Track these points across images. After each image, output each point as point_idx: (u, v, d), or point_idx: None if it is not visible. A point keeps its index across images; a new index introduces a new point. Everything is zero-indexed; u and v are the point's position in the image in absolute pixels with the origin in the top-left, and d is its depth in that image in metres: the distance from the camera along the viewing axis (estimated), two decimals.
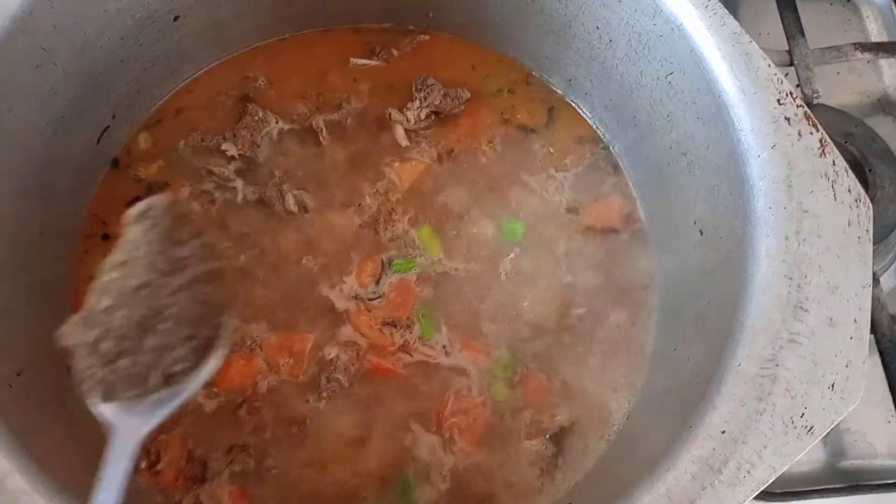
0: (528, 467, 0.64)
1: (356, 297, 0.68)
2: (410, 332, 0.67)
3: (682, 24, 0.59)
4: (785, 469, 0.46)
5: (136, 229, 0.46)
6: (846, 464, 0.74)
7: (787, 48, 0.83)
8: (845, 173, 0.53)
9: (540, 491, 0.64)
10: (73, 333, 0.44)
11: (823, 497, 0.70)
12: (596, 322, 0.69)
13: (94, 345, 0.43)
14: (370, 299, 0.68)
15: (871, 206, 0.53)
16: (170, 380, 0.44)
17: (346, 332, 0.67)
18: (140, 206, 0.46)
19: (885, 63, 0.91)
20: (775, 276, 0.51)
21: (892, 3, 0.92)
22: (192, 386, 0.45)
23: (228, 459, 0.62)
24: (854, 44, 0.84)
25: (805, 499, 0.70)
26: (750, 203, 0.54)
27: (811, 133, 0.54)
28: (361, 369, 0.66)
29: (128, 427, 0.44)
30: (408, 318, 0.68)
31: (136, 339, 0.43)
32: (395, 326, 0.67)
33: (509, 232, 0.71)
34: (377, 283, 0.69)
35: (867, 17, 0.95)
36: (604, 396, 0.66)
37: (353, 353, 0.66)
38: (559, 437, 0.65)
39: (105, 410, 0.44)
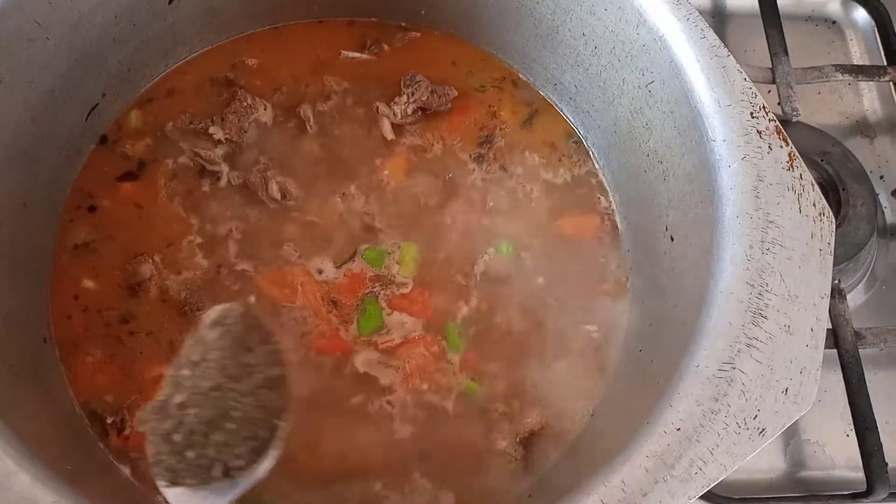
0: (496, 468, 0.65)
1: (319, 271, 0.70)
2: (350, 321, 0.68)
3: (663, 36, 0.61)
4: (735, 468, 0.48)
5: (210, 333, 0.50)
6: (805, 474, 0.76)
7: (770, 66, 0.85)
8: (811, 187, 0.55)
9: (506, 488, 0.65)
10: (149, 421, 0.49)
11: None
12: (566, 325, 0.70)
13: (167, 435, 0.48)
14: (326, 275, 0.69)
15: (833, 220, 0.54)
16: (229, 473, 0.48)
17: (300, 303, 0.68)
18: (214, 314, 0.51)
19: (865, 86, 0.94)
20: (738, 282, 0.53)
21: (875, 28, 0.95)
22: (248, 481, 0.49)
23: None
24: (835, 65, 0.86)
25: None
26: (718, 211, 0.56)
27: (781, 147, 0.56)
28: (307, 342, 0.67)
29: None
30: (352, 306, 0.69)
31: (203, 434, 0.47)
32: (336, 306, 0.68)
33: (499, 250, 0.72)
34: (338, 267, 0.70)
35: (850, 39, 0.97)
36: (570, 398, 0.67)
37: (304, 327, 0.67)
38: (529, 440, 0.66)
39: (170, 494, 0.48)
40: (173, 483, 0.47)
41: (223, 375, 0.49)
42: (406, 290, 0.69)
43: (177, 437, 0.47)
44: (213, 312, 0.51)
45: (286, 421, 0.50)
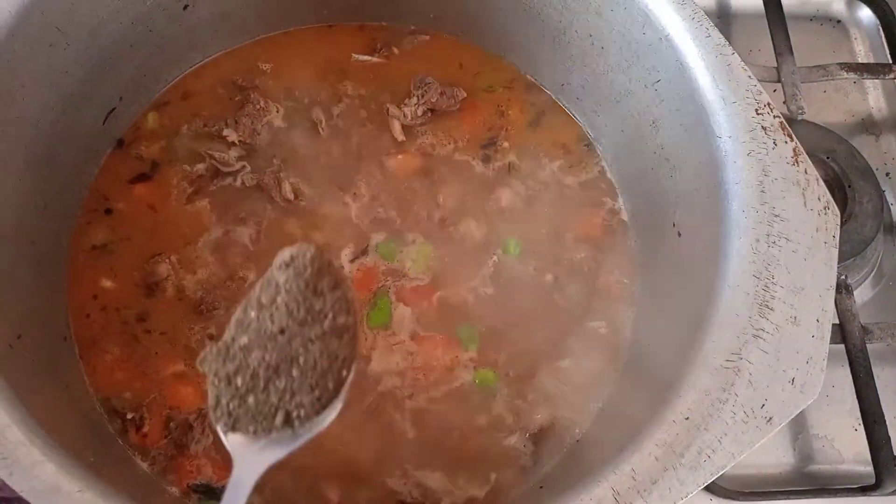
0: (507, 463, 0.66)
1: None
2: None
3: (669, 35, 0.62)
4: (744, 456, 0.49)
5: (280, 275, 0.48)
6: (813, 468, 0.76)
7: (775, 65, 0.86)
8: (816, 182, 0.56)
9: (517, 480, 0.66)
10: (211, 362, 0.47)
11: (790, 499, 0.72)
12: (575, 322, 0.70)
13: (229, 378, 0.46)
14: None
15: (838, 213, 0.55)
16: (291, 422, 0.46)
17: None
18: (286, 254, 0.49)
19: (871, 84, 0.94)
20: (745, 275, 0.54)
21: (880, 26, 0.95)
22: (309, 433, 0.47)
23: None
24: (840, 64, 0.87)
25: (773, 500, 0.72)
26: (724, 206, 0.57)
27: (786, 142, 0.57)
28: None
29: (247, 461, 0.46)
30: (365, 301, 0.69)
31: (266, 380, 0.46)
32: None
33: (507, 248, 0.72)
34: (351, 262, 0.71)
35: (855, 38, 0.97)
36: (580, 393, 0.68)
37: None
38: (538, 437, 0.66)
39: (228, 440, 0.47)
40: (232, 429, 0.46)
41: (291, 319, 0.47)
42: (417, 284, 0.70)
43: (239, 381, 0.46)
44: (284, 253, 0.49)
45: (353, 372, 0.48)
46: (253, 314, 0.48)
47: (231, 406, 0.46)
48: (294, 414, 0.46)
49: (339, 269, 0.51)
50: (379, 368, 0.68)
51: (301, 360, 0.46)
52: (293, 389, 0.46)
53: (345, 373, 0.48)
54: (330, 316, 0.48)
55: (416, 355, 0.68)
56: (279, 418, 0.46)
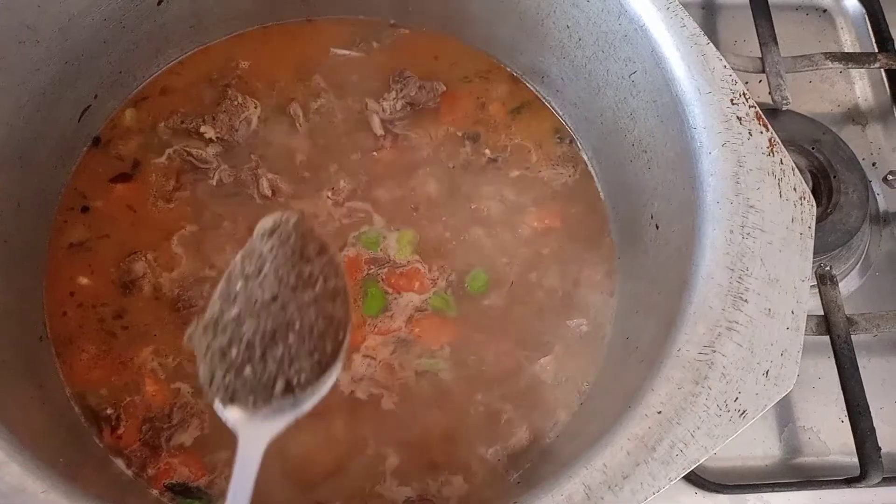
0: (483, 468, 0.65)
1: None
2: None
3: (644, 25, 0.61)
4: (717, 449, 0.48)
5: (265, 244, 0.48)
6: (800, 460, 0.76)
7: (760, 55, 0.85)
8: (792, 172, 0.55)
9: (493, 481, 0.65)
10: (200, 338, 0.46)
11: (777, 491, 0.72)
12: (556, 320, 0.70)
13: (223, 351, 0.45)
14: None
15: (814, 204, 0.55)
16: (291, 389, 0.45)
17: None
18: (269, 222, 0.48)
19: (856, 73, 0.94)
20: (718, 266, 0.53)
21: (866, 15, 0.95)
22: (311, 399, 0.46)
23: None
24: (824, 53, 0.86)
25: (759, 492, 0.72)
26: (700, 198, 0.56)
27: (761, 132, 0.56)
28: None
29: (250, 434, 0.46)
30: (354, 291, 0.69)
31: (263, 349, 0.45)
32: None
33: (475, 280, 0.71)
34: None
35: (841, 28, 0.97)
36: (560, 391, 0.67)
37: None
38: (515, 454, 0.65)
39: (228, 415, 0.46)
40: (231, 402, 0.45)
41: (282, 286, 0.46)
42: (404, 270, 0.70)
43: (234, 353, 0.45)
44: (266, 221, 0.48)
45: (349, 334, 0.48)
46: (239, 285, 0.47)
47: (227, 379, 0.45)
48: (294, 380, 0.45)
49: (320, 235, 0.49)
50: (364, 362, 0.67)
51: (297, 325, 0.46)
52: (291, 356, 0.45)
53: (341, 335, 0.47)
54: (321, 280, 0.47)
55: (406, 343, 0.68)
56: (279, 386, 0.45)
